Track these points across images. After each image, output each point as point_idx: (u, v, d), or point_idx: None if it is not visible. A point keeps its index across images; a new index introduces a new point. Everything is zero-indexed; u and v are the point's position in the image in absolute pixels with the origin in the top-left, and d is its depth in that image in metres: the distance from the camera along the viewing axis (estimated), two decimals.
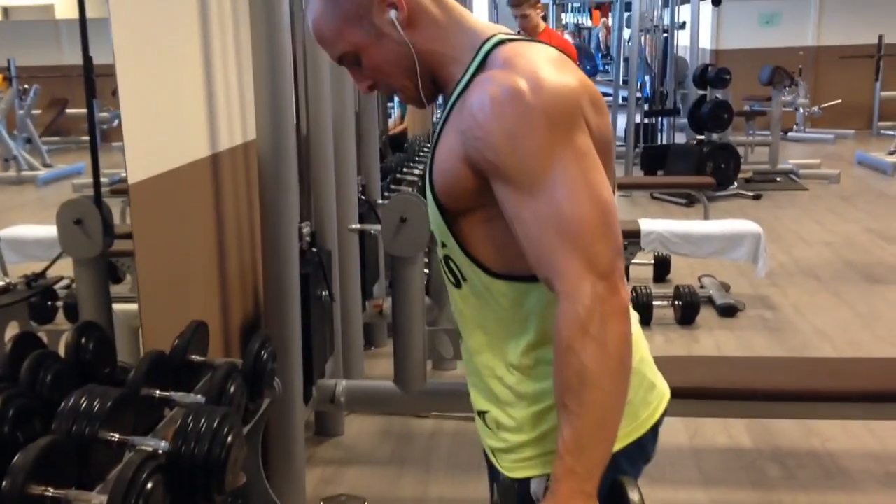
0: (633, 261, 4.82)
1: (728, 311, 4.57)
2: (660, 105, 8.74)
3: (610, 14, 17.43)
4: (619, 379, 1.09)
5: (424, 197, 1.31)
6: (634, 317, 1.22)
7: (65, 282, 2.24)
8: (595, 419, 1.07)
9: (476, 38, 1.19)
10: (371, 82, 1.25)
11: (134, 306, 2.18)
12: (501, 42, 1.17)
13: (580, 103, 1.11)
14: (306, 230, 2.72)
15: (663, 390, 1.33)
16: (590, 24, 17.84)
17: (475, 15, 1.25)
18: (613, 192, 1.21)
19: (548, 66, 1.11)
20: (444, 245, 1.25)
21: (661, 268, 5.22)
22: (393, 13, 1.17)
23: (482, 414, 1.33)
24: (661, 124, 8.91)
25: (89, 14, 1.74)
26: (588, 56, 13.84)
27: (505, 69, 1.11)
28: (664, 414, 1.31)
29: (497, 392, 1.28)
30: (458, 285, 1.27)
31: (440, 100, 1.29)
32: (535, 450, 1.25)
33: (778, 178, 8.17)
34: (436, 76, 1.23)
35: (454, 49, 1.20)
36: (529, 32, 5.03)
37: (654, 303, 4.47)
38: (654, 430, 1.29)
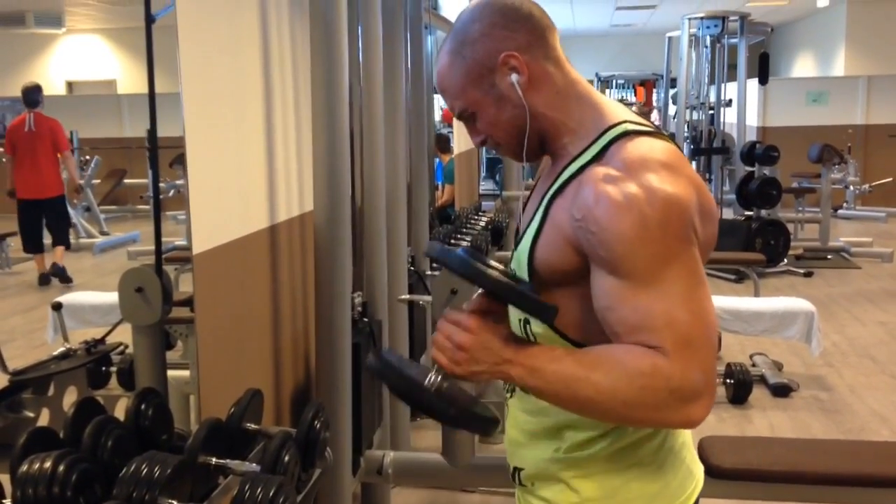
0: None
1: (781, 391, 4.47)
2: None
3: (655, 91, 17.60)
4: (628, 420, 1.13)
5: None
6: None
7: (119, 348, 2.29)
8: (585, 397, 1.09)
9: (600, 117, 1.22)
10: (483, 137, 1.29)
11: (184, 372, 2.21)
12: (626, 133, 1.18)
13: (692, 215, 1.12)
14: (358, 300, 2.74)
15: (698, 477, 1.33)
16: (634, 100, 18.01)
17: (597, 93, 1.28)
18: None
19: (665, 175, 1.11)
20: None
21: None
22: (514, 77, 1.21)
23: (517, 471, 1.33)
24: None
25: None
26: None
27: (625, 172, 1.12)
28: (697, 501, 1.31)
29: (545, 452, 1.28)
30: None
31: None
32: None
33: (829, 256, 8.06)
34: (545, 139, 1.26)
35: (572, 119, 1.23)
36: None
37: None
38: None
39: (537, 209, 1.23)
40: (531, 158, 1.29)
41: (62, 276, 2.66)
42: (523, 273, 1.23)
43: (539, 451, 1.29)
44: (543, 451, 1.28)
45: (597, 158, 1.17)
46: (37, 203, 2.60)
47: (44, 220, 2.63)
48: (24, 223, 2.56)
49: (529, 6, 1.24)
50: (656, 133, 1.20)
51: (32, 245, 2.59)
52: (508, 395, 1.37)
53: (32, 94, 2.40)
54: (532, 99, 1.22)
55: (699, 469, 1.34)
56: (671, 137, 1.24)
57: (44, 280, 2.68)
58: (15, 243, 3.38)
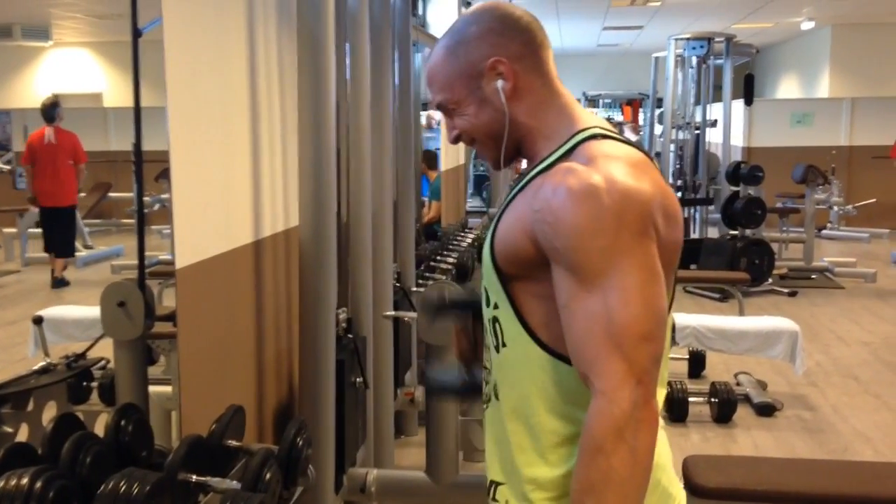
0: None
1: (765, 410, 4.47)
2: (693, 194, 8.76)
3: (641, 110, 17.71)
4: (641, 487, 1.11)
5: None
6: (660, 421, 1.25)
7: (101, 363, 2.26)
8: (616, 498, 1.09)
9: (574, 124, 1.25)
10: (459, 133, 1.33)
11: (166, 388, 2.19)
12: (594, 136, 1.21)
13: (651, 210, 1.13)
14: (343, 316, 2.73)
15: (678, 499, 1.31)
16: (621, 119, 18.13)
17: (579, 106, 1.30)
18: (672, 294, 1.24)
19: (627, 170, 1.14)
20: (495, 306, 1.27)
21: (697, 363, 5.14)
22: (500, 83, 1.25)
23: (494, 486, 1.32)
24: (694, 218, 8.93)
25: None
26: None
27: (587, 165, 1.15)
28: None
29: (517, 468, 1.27)
30: (497, 349, 1.28)
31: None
32: None
33: (813, 276, 8.10)
34: (522, 146, 1.30)
35: (548, 128, 1.27)
36: None
37: (690, 399, 4.38)
38: None
39: (503, 208, 1.27)
40: (507, 164, 1.32)
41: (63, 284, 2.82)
42: (490, 270, 1.25)
43: (510, 470, 1.28)
44: (514, 470, 1.27)
45: (563, 157, 1.20)
46: (55, 210, 2.82)
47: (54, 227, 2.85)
48: (46, 228, 2.81)
49: (529, 20, 1.28)
50: (626, 141, 1.23)
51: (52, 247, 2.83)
52: (485, 406, 1.37)
53: (49, 111, 2.57)
54: (513, 106, 1.26)
55: (679, 491, 1.32)
56: (647, 153, 1.25)
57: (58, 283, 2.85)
58: None
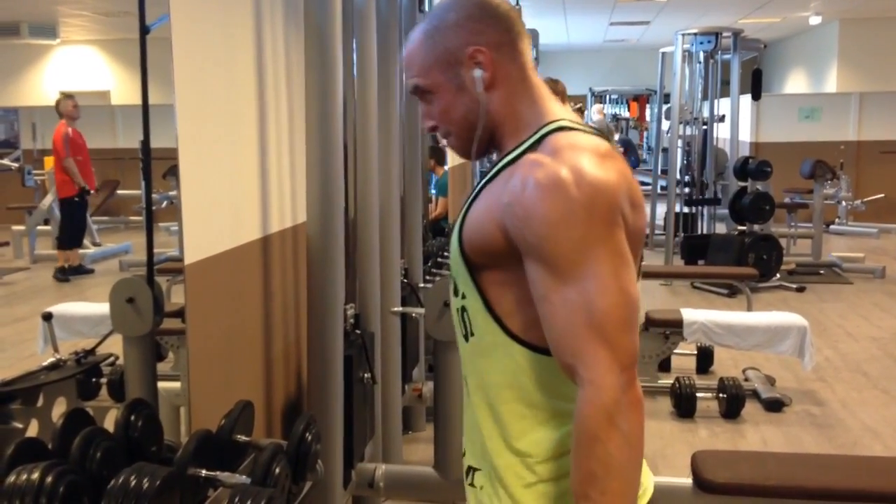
0: (675, 351, 4.77)
1: (774, 406, 4.46)
2: (700, 194, 8.74)
3: (648, 106, 17.67)
4: (637, 468, 1.14)
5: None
6: None
7: (110, 359, 2.27)
8: (615, 486, 1.11)
9: (543, 116, 1.25)
10: (434, 123, 1.32)
11: (175, 384, 2.20)
12: (561, 129, 1.21)
13: (619, 200, 1.15)
14: (350, 312, 2.73)
15: (645, 486, 1.31)
16: (627, 115, 18.09)
17: (551, 99, 1.30)
18: (638, 278, 1.25)
19: (593, 160, 1.15)
20: (463, 296, 1.28)
21: (704, 359, 5.13)
22: (478, 72, 1.25)
23: (472, 471, 1.33)
24: (702, 214, 8.91)
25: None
26: (631, 149, 14.04)
27: (554, 157, 1.16)
28: None
29: (489, 453, 1.28)
30: (466, 338, 1.30)
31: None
32: None
33: (821, 271, 8.08)
34: (494, 136, 1.29)
35: (519, 119, 1.27)
36: None
37: (698, 394, 4.38)
38: None
39: (471, 198, 1.27)
40: (479, 156, 1.32)
41: (59, 278, 2.91)
42: (458, 259, 1.25)
43: (483, 455, 1.29)
44: (486, 455, 1.28)
45: (531, 149, 1.21)
46: (59, 201, 3.00)
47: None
48: None
49: (507, 9, 1.28)
50: (592, 131, 1.24)
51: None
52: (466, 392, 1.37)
53: (56, 108, 2.68)
54: (489, 96, 1.26)
55: (647, 479, 1.33)
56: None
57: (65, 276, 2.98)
58: (7, 254, 3.36)
